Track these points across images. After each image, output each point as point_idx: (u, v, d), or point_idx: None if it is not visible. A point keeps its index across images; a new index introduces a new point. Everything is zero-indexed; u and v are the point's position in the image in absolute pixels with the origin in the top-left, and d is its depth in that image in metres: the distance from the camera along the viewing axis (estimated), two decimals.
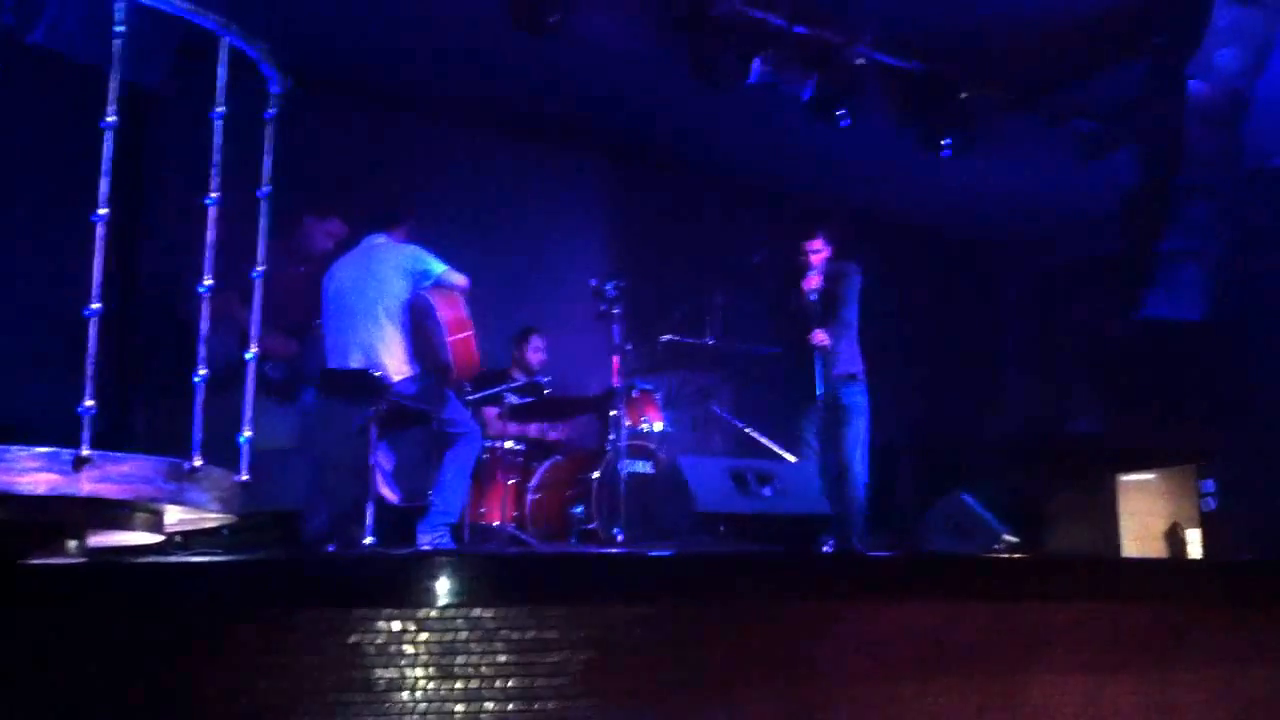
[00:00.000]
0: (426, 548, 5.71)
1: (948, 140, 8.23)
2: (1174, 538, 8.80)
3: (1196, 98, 6.98)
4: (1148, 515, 8.95)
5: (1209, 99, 7.02)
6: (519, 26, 6.77)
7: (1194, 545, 8.63)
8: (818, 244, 7.22)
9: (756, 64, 7.42)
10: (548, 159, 9.28)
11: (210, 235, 3.07)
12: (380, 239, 6.27)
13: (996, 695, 3.03)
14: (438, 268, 6.05)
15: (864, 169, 9.38)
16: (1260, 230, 8.66)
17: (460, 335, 5.84)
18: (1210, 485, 8.50)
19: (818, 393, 6.93)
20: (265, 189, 3.33)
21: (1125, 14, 7.29)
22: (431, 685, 2.41)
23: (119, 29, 2.92)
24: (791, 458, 7.11)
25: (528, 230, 8.88)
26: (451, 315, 5.86)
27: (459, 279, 6.06)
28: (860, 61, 7.76)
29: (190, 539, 4.53)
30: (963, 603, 3.12)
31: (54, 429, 2.71)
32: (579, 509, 6.86)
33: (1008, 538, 6.66)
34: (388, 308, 5.97)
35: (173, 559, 3.15)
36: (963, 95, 8.21)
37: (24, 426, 3.50)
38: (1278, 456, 8.62)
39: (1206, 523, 8.54)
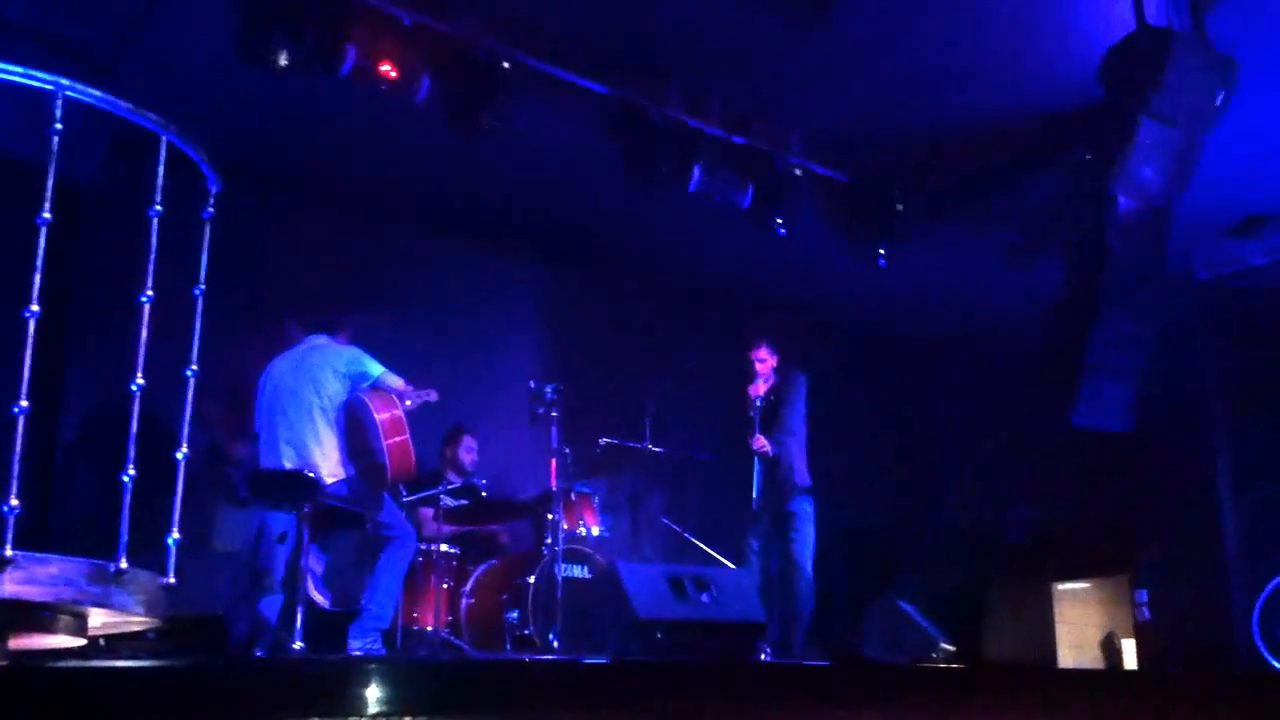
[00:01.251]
0: (357, 654, 5.60)
1: (882, 249, 8.36)
2: (1109, 647, 8.82)
3: (1119, 212, 7.13)
4: (1083, 624, 8.97)
5: (1131, 213, 7.17)
6: (455, 131, 6.82)
7: (1129, 655, 8.65)
8: (763, 353, 7.30)
9: (696, 172, 7.52)
10: (484, 259, 9.29)
11: (144, 333, 3.03)
12: (321, 339, 6.24)
13: None
14: (375, 370, 6.02)
15: (799, 270, 9.48)
16: (1182, 338, 8.82)
17: (396, 438, 5.78)
18: (1143, 595, 8.55)
19: (755, 499, 6.94)
20: (200, 288, 3.31)
21: (1051, 126, 7.48)
22: None
23: (57, 126, 2.91)
24: (729, 564, 7.08)
25: (462, 330, 8.86)
26: (388, 417, 5.80)
27: (397, 381, 6.02)
28: (797, 172, 7.90)
29: (114, 643, 4.41)
30: (899, 715, 3.10)
31: None
32: (514, 614, 6.77)
33: (945, 646, 6.64)
34: (323, 408, 5.91)
35: (95, 664, 3.06)
36: (899, 208, 8.36)
37: None
38: (1204, 566, 8.70)
39: (1141, 632, 8.57)
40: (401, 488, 6.67)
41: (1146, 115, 6.75)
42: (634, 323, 9.63)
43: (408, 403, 5.99)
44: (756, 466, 7.00)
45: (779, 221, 7.87)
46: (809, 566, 6.99)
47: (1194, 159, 6.99)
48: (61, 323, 6.92)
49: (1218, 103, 6.72)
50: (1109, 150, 6.97)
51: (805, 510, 7.07)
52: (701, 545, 7.46)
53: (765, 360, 7.30)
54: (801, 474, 7.16)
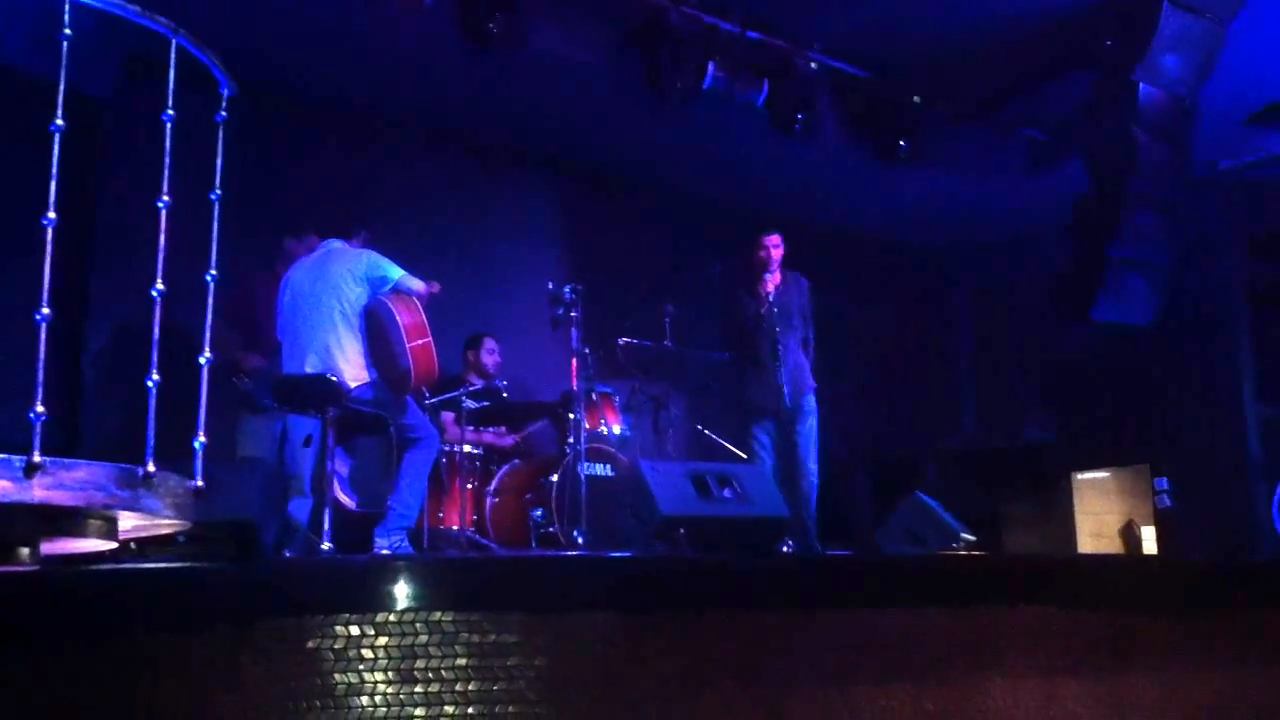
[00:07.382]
0: (385, 552, 5.67)
1: (904, 144, 8.27)
2: (1130, 535, 8.88)
3: (1144, 106, 7.06)
4: (1103, 513, 9.03)
5: (1156, 106, 7.10)
6: (467, 39, 6.73)
7: (1149, 542, 8.71)
8: (776, 239, 7.28)
9: (711, 69, 7.43)
10: (499, 172, 9.24)
11: (162, 239, 3.03)
12: (337, 244, 6.23)
13: (955, 699, 3.04)
14: (396, 273, 6.01)
15: (816, 181, 9.42)
16: (1206, 236, 8.76)
17: (419, 341, 5.79)
18: (1164, 483, 8.58)
19: (777, 397, 6.96)
20: (216, 192, 3.30)
21: (1075, 24, 7.36)
22: (391, 690, 2.39)
23: (66, 31, 2.89)
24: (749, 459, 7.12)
25: (480, 242, 8.85)
26: (410, 321, 5.81)
27: (417, 284, 6.01)
28: (814, 67, 7.80)
29: (145, 547, 4.48)
30: (921, 607, 3.13)
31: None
32: (539, 513, 6.83)
33: (966, 536, 6.66)
34: (344, 313, 5.91)
35: (126, 567, 3.11)
36: (916, 100, 8.26)
37: None
38: (1223, 456, 8.73)
39: (1161, 520, 8.62)
40: (425, 391, 6.71)
41: (1170, 3, 6.65)
42: (649, 234, 9.61)
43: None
44: (783, 368, 7.00)
45: (799, 118, 7.80)
46: (816, 460, 7.07)
47: (1218, 47, 6.90)
48: (85, 236, 6.95)
49: None
50: (1132, 40, 6.89)
51: (811, 405, 7.16)
52: (724, 443, 7.49)
53: (779, 246, 7.29)
54: (809, 375, 7.23)
